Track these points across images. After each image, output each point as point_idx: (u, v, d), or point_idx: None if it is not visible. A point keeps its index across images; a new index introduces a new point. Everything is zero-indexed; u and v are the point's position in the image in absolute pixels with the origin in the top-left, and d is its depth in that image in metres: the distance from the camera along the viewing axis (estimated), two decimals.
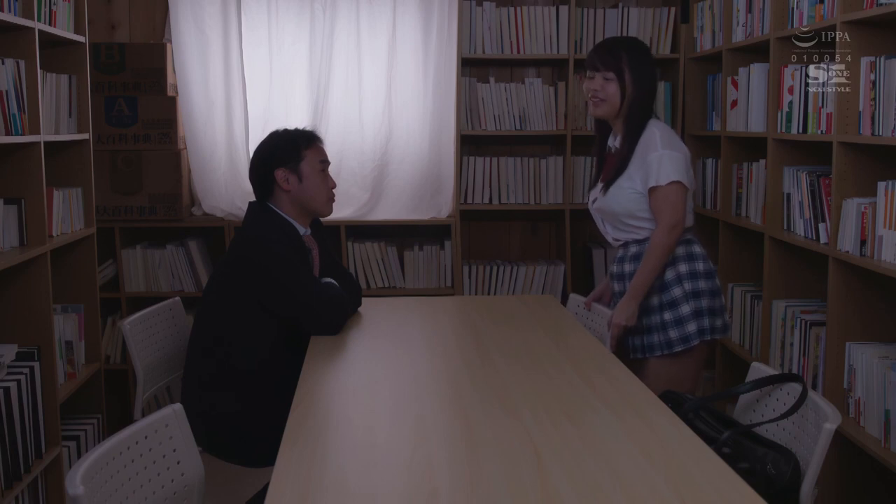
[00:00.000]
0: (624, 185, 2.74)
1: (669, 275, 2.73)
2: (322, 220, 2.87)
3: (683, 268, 2.73)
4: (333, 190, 2.77)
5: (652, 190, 2.69)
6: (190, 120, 4.08)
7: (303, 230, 2.72)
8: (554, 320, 2.86)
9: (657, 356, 2.75)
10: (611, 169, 2.82)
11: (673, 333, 2.71)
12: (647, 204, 2.72)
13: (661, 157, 2.67)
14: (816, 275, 3.12)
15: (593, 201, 2.90)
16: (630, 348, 2.82)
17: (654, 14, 4.11)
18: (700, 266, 2.74)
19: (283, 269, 2.56)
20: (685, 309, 2.70)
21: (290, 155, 2.69)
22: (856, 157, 2.67)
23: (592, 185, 2.94)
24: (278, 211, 2.69)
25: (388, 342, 2.65)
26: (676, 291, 2.72)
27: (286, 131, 2.76)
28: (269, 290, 2.55)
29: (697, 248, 2.77)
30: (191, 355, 2.64)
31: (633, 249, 2.81)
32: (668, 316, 2.72)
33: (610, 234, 2.89)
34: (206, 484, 1.94)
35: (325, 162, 2.75)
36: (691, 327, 2.70)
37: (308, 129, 2.79)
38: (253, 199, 2.77)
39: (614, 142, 2.84)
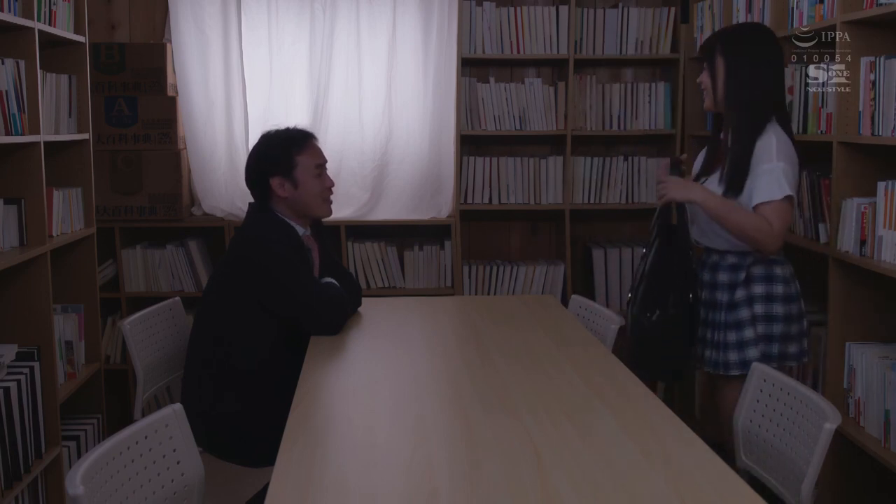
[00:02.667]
0: (747, 194, 2.51)
1: (740, 294, 2.55)
2: (323, 220, 2.86)
3: (759, 289, 2.54)
4: (332, 189, 2.76)
5: (761, 205, 2.46)
6: (190, 120, 4.08)
7: (302, 230, 2.72)
8: (554, 320, 2.86)
9: (717, 373, 2.60)
10: (720, 168, 2.60)
11: (733, 356, 2.55)
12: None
13: (772, 169, 2.44)
14: (816, 275, 3.11)
15: None
16: (694, 357, 2.68)
17: (654, 14, 4.11)
18: (779, 289, 2.54)
19: (283, 269, 2.56)
20: (749, 333, 2.53)
21: (283, 162, 2.65)
22: (856, 157, 2.67)
23: (697, 177, 2.73)
24: (277, 213, 2.69)
25: (388, 342, 2.65)
26: (744, 313, 2.54)
27: (277, 134, 2.71)
28: (269, 290, 2.55)
29: (779, 270, 2.56)
30: (191, 355, 2.64)
31: (730, 260, 2.60)
32: (731, 337, 2.56)
33: (706, 234, 2.65)
34: (206, 484, 1.94)
35: (321, 165, 2.72)
36: (753, 353, 2.51)
37: (300, 127, 2.75)
38: (252, 199, 2.77)
39: (727, 136, 2.59)
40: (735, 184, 2.51)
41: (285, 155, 2.66)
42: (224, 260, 2.69)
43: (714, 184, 2.59)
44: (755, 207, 2.47)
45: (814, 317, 2.97)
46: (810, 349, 2.67)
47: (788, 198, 2.45)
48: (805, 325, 2.60)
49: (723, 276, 2.60)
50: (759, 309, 2.54)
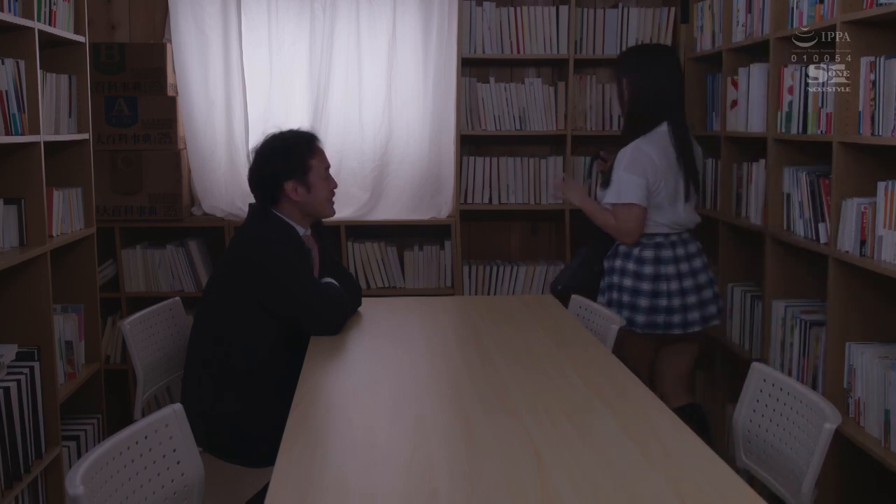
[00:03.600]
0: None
1: (607, 265, 3.13)
2: (324, 220, 2.86)
3: (618, 263, 3.09)
4: (334, 190, 2.77)
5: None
6: (190, 120, 4.08)
7: (302, 231, 2.72)
8: (554, 320, 2.86)
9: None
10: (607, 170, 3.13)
11: (624, 313, 3.04)
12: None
13: (618, 177, 2.99)
14: (816, 275, 3.11)
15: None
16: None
17: (654, 14, 4.11)
18: (631, 266, 3.05)
19: (283, 269, 2.56)
20: (603, 297, 3.12)
21: (298, 166, 2.65)
22: (856, 157, 2.67)
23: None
24: (279, 214, 2.69)
25: (388, 342, 2.65)
26: (607, 279, 3.12)
27: (287, 137, 2.71)
28: (269, 290, 2.55)
29: (636, 251, 3.05)
30: (191, 355, 2.64)
31: (622, 248, 3.10)
32: (615, 295, 3.09)
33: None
34: (206, 484, 1.94)
35: (328, 167, 2.75)
36: (624, 313, 3.01)
37: (306, 130, 2.77)
38: (252, 199, 2.76)
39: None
40: (606, 181, 3.10)
41: (300, 159, 2.66)
42: (224, 260, 2.69)
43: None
44: (610, 206, 3.03)
45: (814, 317, 2.98)
46: (697, 321, 3.09)
47: (628, 205, 2.95)
48: (664, 303, 3.02)
49: (618, 263, 3.13)
50: (627, 282, 3.05)
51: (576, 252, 3.44)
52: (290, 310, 2.57)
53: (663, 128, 3.03)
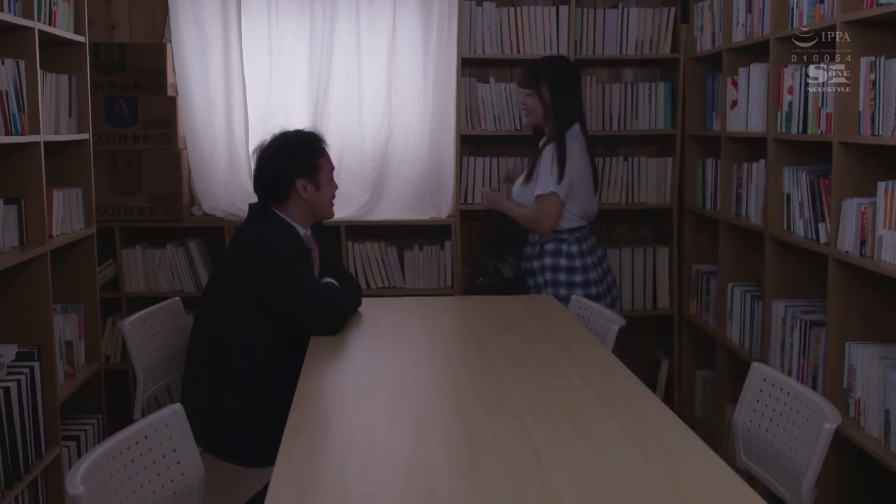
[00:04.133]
0: (532, 186, 3.33)
1: (536, 264, 3.37)
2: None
3: (548, 261, 3.34)
4: (335, 192, 2.79)
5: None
6: (190, 120, 4.08)
7: (303, 231, 2.72)
8: (554, 320, 2.86)
9: None
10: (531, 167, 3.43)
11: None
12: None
13: (546, 170, 3.27)
14: (816, 275, 3.12)
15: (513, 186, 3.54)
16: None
17: (654, 14, 4.11)
18: (563, 262, 3.33)
19: (283, 269, 2.56)
20: (543, 294, 3.32)
21: (309, 165, 2.68)
22: (856, 157, 2.67)
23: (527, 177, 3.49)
24: (280, 214, 2.69)
25: (388, 342, 2.65)
26: (540, 279, 3.36)
27: (299, 136, 2.73)
28: (269, 290, 2.55)
29: (566, 248, 3.34)
30: (191, 355, 2.64)
31: (533, 239, 3.42)
32: (550, 292, 3.32)
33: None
34: (206, 484, 1.94)
35: (333, 168, 2.79)
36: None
37: (312, 130, 2.79)
38: (253, 199, 2.76)
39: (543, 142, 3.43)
40: (529, 176, 3.38)
41: (312, 157, 2.70)
42: (224, 260, 2.69)
43: (521, 179, 3.42)
44: (535, 196, 3.29)
45: (814, 317, 2.98)
46: (611, 305, 3.43)
47: (552, 194, 3.24)
48: (594, 290, 3.32)
49: (528, 251, 3.44)
50: (549, 276, 3.34)
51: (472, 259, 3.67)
52: (290, 310, 2.57)
53: (576, 127, 3.37)
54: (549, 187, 3.25)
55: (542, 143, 3.45)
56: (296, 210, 2.69)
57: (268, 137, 2.74)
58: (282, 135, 2.74)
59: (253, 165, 2.76)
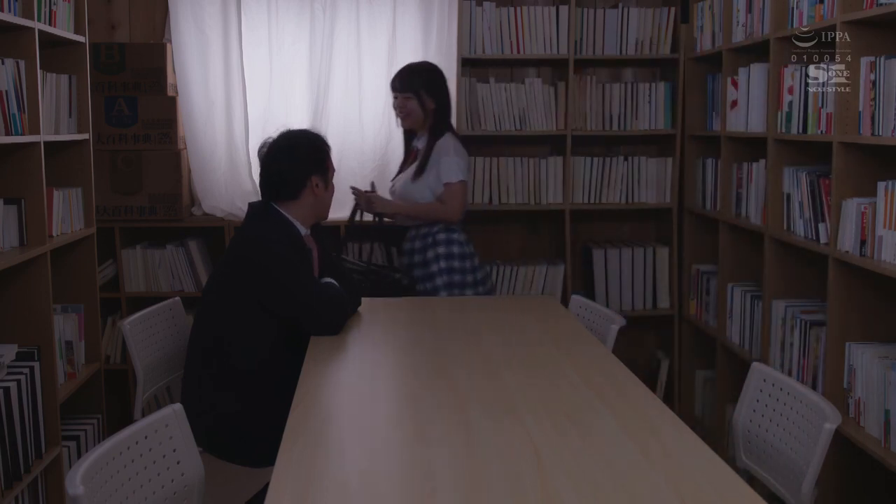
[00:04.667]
0: (426, 180, 3.46)
1: (430, 254, 3.46)
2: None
3: (442, 250, 3.45)
4: None
5: (445, 184, 3.43)
6: (190, 120, 4.08)
7: (304, 230, 2.72)
8: (554, 321, 2.86)
9: None
10: (414, 164, 3.52)
11: (468, 291, 3.44)
12: (434, 196, 3.46)
13: (450, 161, 3.42)
14: (816, 275, 3.12)
15: (393, 186, 3.63)
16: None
17: (654, 14, 4.11)
18: (455, 249, 3.45)
19: (283, 269, 2.56)
20: (439, 281, 3.42)
21: (323, 162, 2.74)
22: (856, 157, 2.67)
23: (396, 175, 3.65)
24: (283, 212, 2.69)
25: (388, 342, 2.65)
26: (433, 268, 3.44)
27: (310, 134, 2.78)
28: (270, 290, 2.55)
29: (456, 236, 3.47)
30: (191, 355, 2.64)
31: (422, 230, 3.52)
32: (428, 286, 3.45)
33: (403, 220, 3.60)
34: (206, 484, 1.94)
35: (335, 171, 2.85)
36: (443, 295, 3.40)
37: (316, 132, 2.84)
38: (253, 199, 2.76)
39: (418, 143, 3.55)
40: (421, 171, 3.48)
41: (324, 157, 2.76)
42: (224, 260, 2.69)
43: (408, 175, 3.52)
44: (445, 184, 3.42)
45: (814, 317, 2.98)
46: (492, 291, 3.66)
47: (462, 182, 3.42)
48: (479, 275, 3.49)
49: (414, 245, 3.54)
50: (443, 264, 3.43)
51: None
52: (290, 310, 2.57)
53: (450, 128, 3.56)
54: (459, 176, 3.42)
55: (418, 142, 3.56)
56: (302, 208, 2.70)
57: (274, 135, 2.75)
58: (293, 132, 2.76)
59: (259, 163, 2.76)
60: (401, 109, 3.52)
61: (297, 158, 2.70)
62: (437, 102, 3.50)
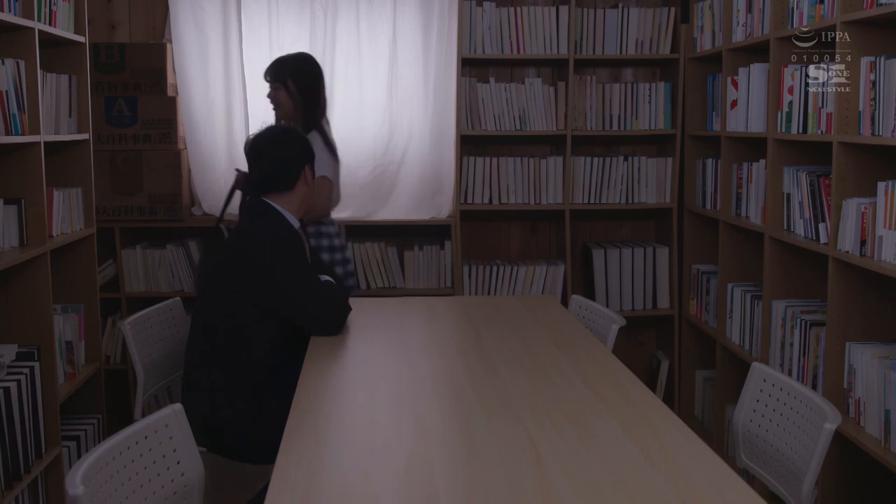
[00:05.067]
0: None
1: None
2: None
3: (311, 242, 3.35)
4: None
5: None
6: (190, 120, 4.08)
7: (296, 223, 2.73)
8: (554, 321, 2.86)
9: None
10: None
11: (350, 281, 3.43)
12: None
13: (320, 157, 3.32)
14: (816, 275, 3.12)
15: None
16: None
17: (654, 14, 4.11)
18: (325, 242, 3.44)
19: (285, 270, 2.55)
20: (338, 269, 3.40)
21: (311, 152, 2.78)
22: (856, 157, 2.67)
23: None
24: (276, 206, 2.68)
25: (388, 342, 2.65)
26: (323, 257, 3.35)
27: (293, 128, 2.83)
28: (270, 291, 2.55)
29: (325, 229, 3.45)
30: (190, 353, 2.64)
31: (311, 229, 3.42)
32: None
33: None
34: (206, 484, 1.94)
35: None
36: (351, 282, 3.44)
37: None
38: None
39: None
40: None
41: (311, 147, 2.80)
42: (223, 258, 2.67)
43: None
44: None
45: (814, 317, 2.98)
46: (356, 286, 3.67)
47: (324, 177, 3.33)
48: (350, 267, 3.53)
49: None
50: (337, 256, 3.43)
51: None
52: (291, 310, 2.57)
53: (324, 122, 3.48)
54: (324, 171, 3.39)
55: None
56: (295, 199, 2.71)
57: (261, 130, 2.76)
58: (278, 126, 2.81)
59: (251, 157, 2.74)
60: (272, 100, 3.48)
61: (290, 150, 2.72)
62: (304, 95, 3.46)
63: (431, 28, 4.13)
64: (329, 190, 3.43)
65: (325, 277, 2.76)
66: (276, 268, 2.54)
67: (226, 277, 2.60)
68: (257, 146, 2.72)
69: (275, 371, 2.55)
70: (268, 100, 3.45)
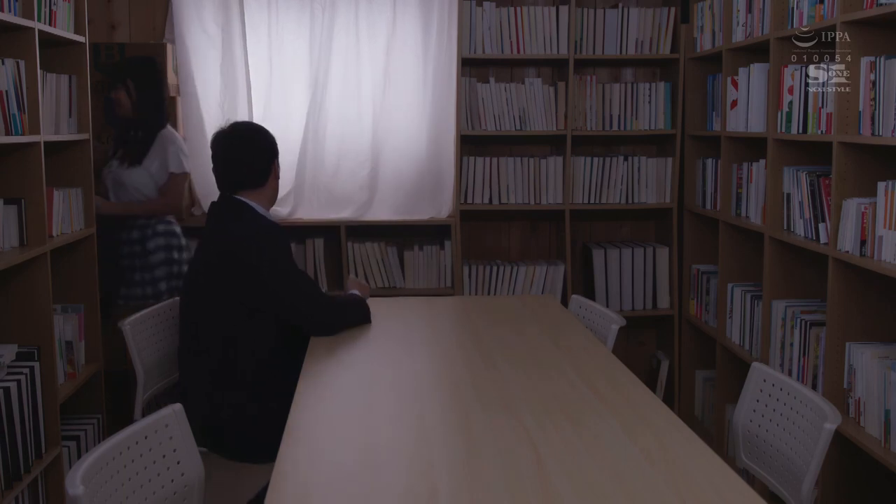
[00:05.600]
0: (147, 167, 3.57)
1: (150, 245, 3.55)
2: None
3: (162, 241, 3.56)
4: None
5: (170, 174, 3.58)
6: (190, 120, 4.07)
7: (270, 218, 2.74)
8: (554, 320, 2.86)
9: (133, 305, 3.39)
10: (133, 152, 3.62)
11: (149, 289, 3.52)
12: (155, 183, 3.59)
13: (177, 151, 3.58)
14: (816, 275, 3.12)
15: (109, 171, 3.67)
16: (115, 296, 3.58)
17: (654, 14, 4.11)
18: (174, 241, 3.59)
19: (270, 270, 2.55)
20: (158, 272, 3.53)
21: (276, 146, 2.78)
22: (856, 157, 2.67)
23: (108, 161, 3.71)
24: (249, 201, 2.67)
25: (388, 342, 2.65)
26: (153, 259, 3.54)
27: (257, 124, 2.86)
28: (256, 290, 2.54)
29: (176, 229, 3.63)
30: (188, 355, 2.64)
31: (161, 227, 3.59)
32: (147, 276, 3.53)
33: (113, 199, 3.65)
34: (206, 484, 1.94)
35: None
36: (163, 286, 3.52)
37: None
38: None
39: (134, 133, 3.66)
40: (140, 158, 3.58)
41: (275, 141, 2.80)
42: (207, 259, 2.65)
43: (124, 163, 3.60)
44: (170, 174, 3.58)
45: (814, 317, 2.98)
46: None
47: (186, 173, 3.60)
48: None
49: (133, 235, 3.58)
50: (163, 255, 3.55)
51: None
52: (278, 309, 2.57)
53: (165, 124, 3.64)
54: (184, 167, 3.58)
55: (132, 137, 3.64)
56: (265, 194, 2.72)
57: (225, 127, 2.75)
58: (242, 123, 2.84)
59: (221, 156, 2.71)
60: (113, 99, 3.62)
61: (260, 145, 2.73)
62: (141, 95, 3.57)
63: (431, 28, 4.13)
64: (184, 187, 3.64)
65: (354, 291, 2.79)
66: (262, 267, 2.54)
67: (216, 281, 2.58)
68: (228, 145, 2.71)
69: (275, 371, 2.55)
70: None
